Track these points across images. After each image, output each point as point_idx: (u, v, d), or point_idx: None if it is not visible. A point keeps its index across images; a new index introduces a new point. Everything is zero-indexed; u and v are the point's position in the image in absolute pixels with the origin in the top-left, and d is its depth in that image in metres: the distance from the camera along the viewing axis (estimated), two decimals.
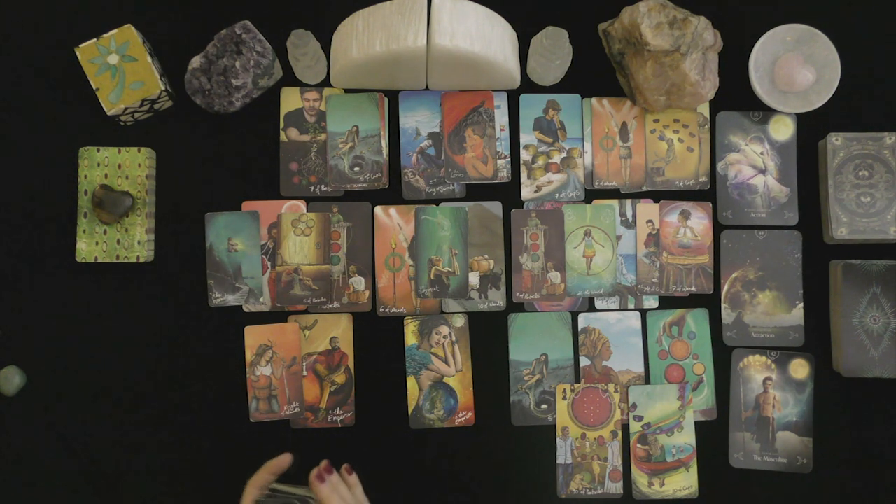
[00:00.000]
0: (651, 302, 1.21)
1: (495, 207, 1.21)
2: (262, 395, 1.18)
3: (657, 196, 1.23)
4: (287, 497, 1.03)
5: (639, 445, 1.19)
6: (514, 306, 1.21)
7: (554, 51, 1.16)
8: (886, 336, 1.17)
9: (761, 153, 1.22)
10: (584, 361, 1.20)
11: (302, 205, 1.21)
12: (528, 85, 1.23)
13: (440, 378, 1.19)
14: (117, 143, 1.20)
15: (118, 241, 1.17)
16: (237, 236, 1.20)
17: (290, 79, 1.23)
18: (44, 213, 1.20)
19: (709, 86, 1.17)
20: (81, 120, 1.21)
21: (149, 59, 1.18)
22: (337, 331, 1.20)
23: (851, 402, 1.19)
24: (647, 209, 1.22)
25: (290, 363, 1.19)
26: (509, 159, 1.22)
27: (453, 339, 1.20)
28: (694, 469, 1.18)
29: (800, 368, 1.20)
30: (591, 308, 1.21)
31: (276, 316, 1.20)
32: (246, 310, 1.20)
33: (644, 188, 1.22)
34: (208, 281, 1.19)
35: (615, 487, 1.18)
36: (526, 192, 1.22)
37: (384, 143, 1.22)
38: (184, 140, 1.22)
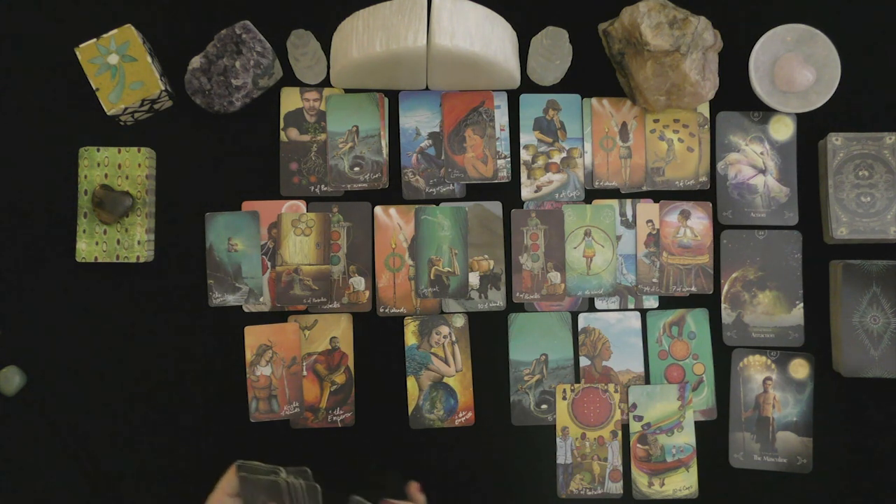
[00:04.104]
0: (651, 302, 1.21)
1: (495, 207, 1.21)
2: (262, 395, 1.18)
3: (657, 196, 1.23)
4: (265, 473, 1.03)
5: (639, 445, 1.19)
6: (514, 306, 1.21)
7: (554, 51, 1.16)
8: (886, 336, 1.17)
9: (761, 153, 1.22)
10: (584, 361, 1.20)
11: (302, 205, 1.21)
12: (528, 85, 1.23)
13: (440, 378, 1.19)
14: (117, 143, 1.20)
15: (118, 241, 1.17)
16: (237, 236, 1.20)
17: (290, 79, 1.23)
18: (44, 213, 1.20)
19: (709, 86, 1.17)
20: (81, 120, 1.21)
21: (149, 59, 1.18)
22: (337, 331, 1.20)
23: (851, 402, 1.19)
24: (647, 209, 1.22)
25: (290, 363, 1.19)
26: (509, 159, 1.22)
27: (453, 339, 1.20)
28: (694, 469, 1.18)
29: (800, 368, 1.20)
30: (591, 308, 1.21)
31: (276, 316, 1.20)
32: (246, 310, 1.20)
33: (644, 188, 1.22)
34: (208, 281, 1.19)
35: (615, 487, 1.18)
36: (526, 192, 1.22)
37: (384, 143, 1.22)
38: (184, 140, 1.22)
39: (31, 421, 1.18)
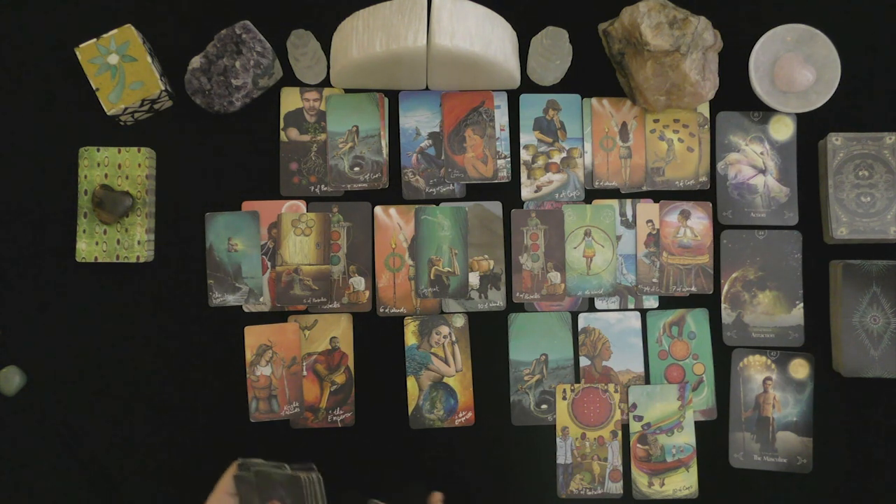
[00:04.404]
0: (651, 302, 1.21)
1: (495, 207, 1.21)
2: (262, 395, 1.18)
3: (657, 196, 1.23)
4: (266, 470, 1.03)
5: (639, 445, 1.19)
6: (514, 306, 1.21)
7: (554, 51, 1.16)
8: (886, 336, 1.17)
9: (761, 153, 1.22)
10: (584, 361, 1.20)
11: (302, 205, 1.21)
12: (528, 85, 1.23)
13: (440, 378, 1.19)
14: (117, 143, 1.20)
15: (118, 241, 1.17)
16: (237, 236, 1.20)
17: (290, 79, 1.23)
18: (44, 213, 1.20)
19: (709, 86, 1.17)
20: (81, 120, 1.21)
21: (149, 59, 1.18)
22: (337, 331, 1.20)
23: (851, 402, 1.19)
24: (647, 209, 1.22)
25: (290, 363, 1.19)
26: (509, 159, 1.22)
27: (453, 339, 1.20)
28: (694, 469, 1.18)
29: (800, 368, 1.20)
30: (591, 308, 1.21)
31: (276, 316, 1.20)
32: (246, 310, 1.20)
33: (644, 188, 1.22)
34: (208, 281, 1.19)
35: (615, 487, 1.18)
36: (526, 192, 1.22)
37: (384, 143, 1.22)
38: (184, 140, 1.22)
39: (31, 421, 1.18)
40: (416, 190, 1.22)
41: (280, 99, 1.22)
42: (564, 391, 1.19)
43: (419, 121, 1.22)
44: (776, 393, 1.19)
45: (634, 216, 1.22)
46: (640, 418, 1.19)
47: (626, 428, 1.19)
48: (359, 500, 1.06)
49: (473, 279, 1.20)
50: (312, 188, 1.21)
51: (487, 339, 1.20)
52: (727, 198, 1.22)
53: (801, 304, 1.20)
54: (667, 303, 1.21)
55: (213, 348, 1.19)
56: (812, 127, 1.22)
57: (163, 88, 1.17)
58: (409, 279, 1.21)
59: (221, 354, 1.19)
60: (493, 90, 1.22)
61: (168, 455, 1.18)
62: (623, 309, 1.21)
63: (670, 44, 1.13)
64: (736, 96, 1.22)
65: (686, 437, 1.19)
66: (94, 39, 1.18)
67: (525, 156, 1.22)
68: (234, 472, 1.02)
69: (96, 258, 1.17)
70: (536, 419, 1.20)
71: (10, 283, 1.19)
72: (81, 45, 1.18)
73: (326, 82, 1.23)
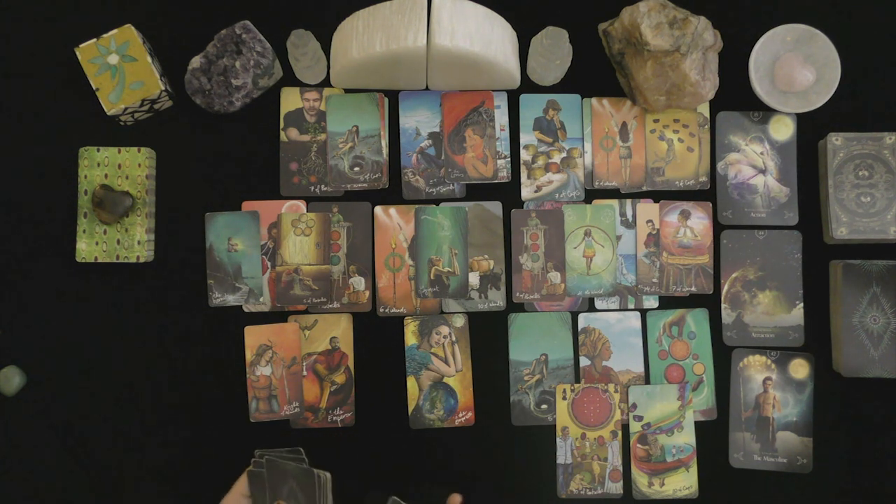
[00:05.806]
0: (651, 302, 1.21)
1: (495, 207, 1.21)
2: (262, 395, 1.18)
3: (657, 196, 1.23)
4: (279, 459, 1.03)
5: (639, 445, 1.19)
6: (514, 306, 1.21)
7: (554, 51, 1.16)
8: (886, 336, 1.17)
9: (761, 153, 1.22)
10: (584, 361, 1.20)
11: (302, 205, 1.21)
12: (528, 85, 1.23)
13: (440, 378, 1.19)
14: (117, 143, 1.20)
15: (118, 241, 1.17)
16: (237, 236, 1.20)
17: (290, 79, 1.23)
18: (44, 213, 1.20)
19: (709, 86, 1.17)
20: (81, 120, 1.21)
21: (149, 59, 1.18)
22: (337, 331, 1.20)
23: (851, 402, 1.19)
24: (647, 209, 1.22)
25: (290, 363, 1.19)
26: (509, 159, 1.22)
27: (453, 339, 1.20)
28: (694, 469, 1.18)
29: (800, 368, 1.20)
30: (591, 308, 1.21)
31: (276, 316, 1.20)
32: (246, 310, 1.20)
33: (644, 188, 1.22)
34: (208, 281, 1.19)
35: (615, 487, 1.18)
36: (526, 192, 1.22)
37: (384, 143, 1.22)
38: (184, 140, 1.22)
39: (31, 421, 1.18)
40: (416, 190, 1.22)
41: (280, 99, 1.22)
42: (564, 391, 1.19)
43: (419, 121, 1.22)
44: (776, 393, 1.19)
45: (634, 216, 1.22)
46: (640, 418, 1.19)
47: (626, 428, 1.19)
48: (380, 499, 1.06)
49: (473, 279, 1.20)
50: (312, 188, 1.21)
51: (487, 339, 1.20)
52: (727, 198, 1.22)
53: (801, 304, 1.20)
54: (667, 303, 1.21)
55: (213, 348, 1.19)
56: (812, 127, 1.22)
57: (163, 88, 1.17)
58: (409, 279, 1.21)
59: (221, 354, 1.19)
60: (493, 90, 1.22)
61: (168, 455, 1.18)
62: (623, 309, 1.21)
63: (670, 44, 1.13)
64: (736, 96, 1.22)
65: (686, 437, 1.19)
66: (94, 39, 1.18)
67: (525, 156, 1.22)
68: (249, 468, 1.02)
69: (96, 258, 1.17)
70: (536, 419, 1.20)
71: (10, 283, 1.19)
72: (81, 45, 1.18)
73: (326, 82, 1.23)
